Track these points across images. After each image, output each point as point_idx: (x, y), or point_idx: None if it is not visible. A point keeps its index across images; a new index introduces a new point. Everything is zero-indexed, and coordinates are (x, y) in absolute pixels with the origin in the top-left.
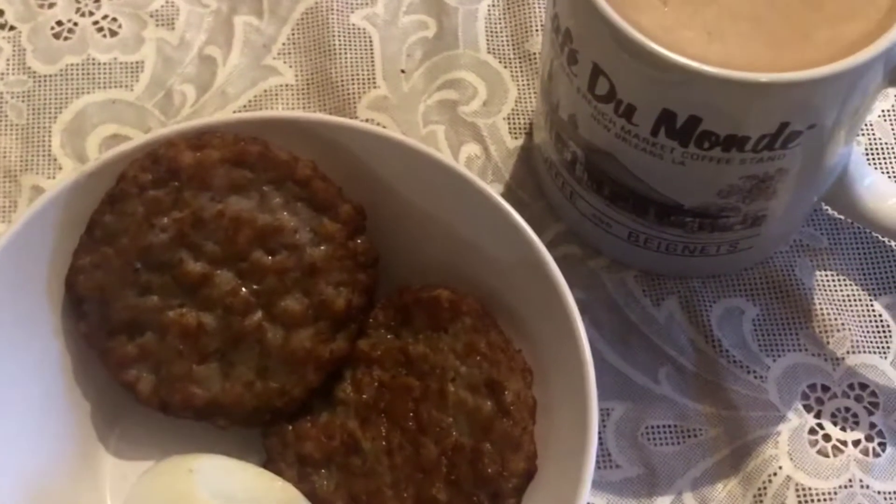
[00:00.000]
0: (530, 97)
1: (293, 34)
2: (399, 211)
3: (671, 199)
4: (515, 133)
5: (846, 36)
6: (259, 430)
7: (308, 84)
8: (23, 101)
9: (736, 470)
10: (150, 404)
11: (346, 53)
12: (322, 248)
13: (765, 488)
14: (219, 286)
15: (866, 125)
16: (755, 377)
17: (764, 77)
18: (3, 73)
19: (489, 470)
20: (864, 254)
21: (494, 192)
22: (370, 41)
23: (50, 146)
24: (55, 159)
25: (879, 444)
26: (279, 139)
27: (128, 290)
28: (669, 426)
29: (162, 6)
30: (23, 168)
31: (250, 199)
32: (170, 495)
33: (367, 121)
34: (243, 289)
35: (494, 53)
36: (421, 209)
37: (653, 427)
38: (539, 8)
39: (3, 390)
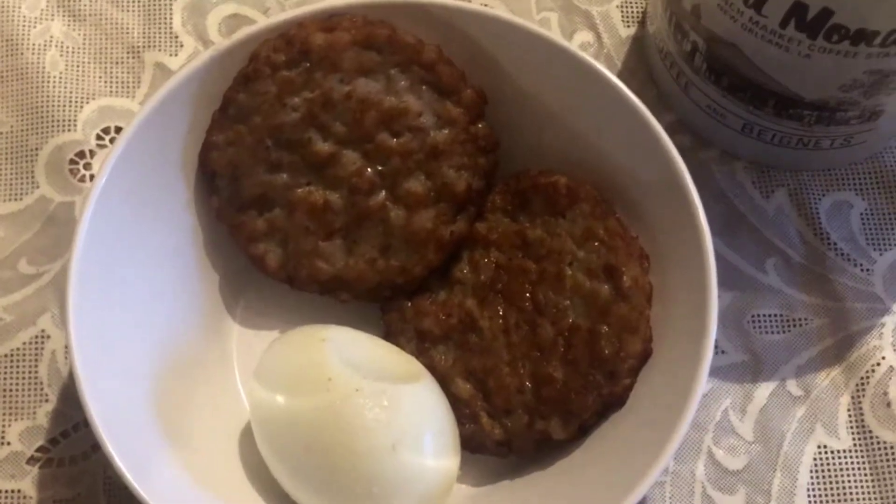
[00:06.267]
0: None
1: None
2: (518, 96)
3: (792, 92)
4: (628, 21)
5: None
6: (378, 306)
7: None
8: None
9: (839, 359)
10: (276, 277)
11: None
12: (445, 131)
13: (867, 377)
14: (345, 166)
15: None
16: (862, 270)
17: None
18: None
19: (606, 351)
20: None
21: (612, 75)
22: None
23: (171, 24)
24: (177, 37)
25: None
26: (402, 23)
27: (259, 166)
28: (775, 315)
29: None
30: (145, 45)
31: (377, 82)
32: (303, 362)
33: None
34: (368, 169)
35: None
36: (539, 95)
37: (759, 315)
38: None
39: (141, 262)
